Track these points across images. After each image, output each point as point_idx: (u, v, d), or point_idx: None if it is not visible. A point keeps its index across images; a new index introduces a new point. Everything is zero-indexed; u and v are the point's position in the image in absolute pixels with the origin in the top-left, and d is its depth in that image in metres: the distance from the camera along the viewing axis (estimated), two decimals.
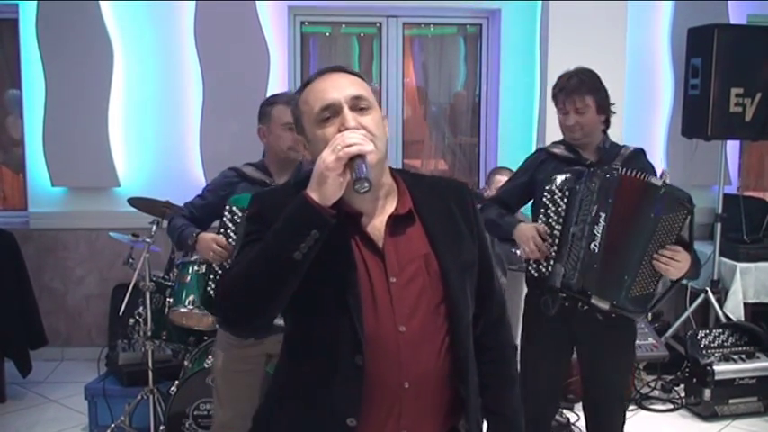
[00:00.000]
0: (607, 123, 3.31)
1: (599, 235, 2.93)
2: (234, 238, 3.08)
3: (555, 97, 3.32)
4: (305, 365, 1.85)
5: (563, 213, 3.06)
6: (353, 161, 1.69)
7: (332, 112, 1.79)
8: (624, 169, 3.00)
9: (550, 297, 3.02)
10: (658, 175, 3.03)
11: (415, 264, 1.83)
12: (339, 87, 1.81)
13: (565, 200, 3.07)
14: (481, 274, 1.95)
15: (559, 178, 3.11)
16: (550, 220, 3.09)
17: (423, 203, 1.90)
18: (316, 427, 1.82)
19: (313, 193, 1.69)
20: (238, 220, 3.08)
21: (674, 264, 2.92)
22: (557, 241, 3.06)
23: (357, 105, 1.80)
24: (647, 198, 2.95)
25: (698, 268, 3.09)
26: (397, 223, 1.85)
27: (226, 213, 3.12)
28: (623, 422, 3.42)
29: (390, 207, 1.86)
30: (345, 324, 1.75)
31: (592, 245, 2.94)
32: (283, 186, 2.15)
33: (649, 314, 3.09)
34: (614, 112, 3.33)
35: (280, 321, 1.91)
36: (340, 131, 1.76)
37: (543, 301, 3.05)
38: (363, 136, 1.73)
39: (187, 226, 3.28)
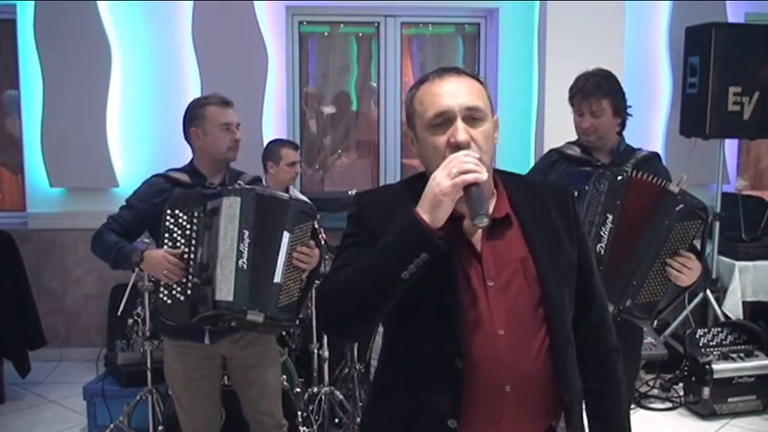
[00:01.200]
0: (623, 126, 3.28)
1: (605, 237, 2.89)
2: (182, 241, 3.01)
3: (571, 99, 3.29)
4: (407, 365, 1.86)
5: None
6: (469, 189, 1.68)
7: (444, 119, 1.78)
8: (634, 171, 2.95)
9: None
10: (675, 181, 2.94)
11: (512, 267, 1.82)
12: (455, 95, 1.79)
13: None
14: (581, 277, 1.93)
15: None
16: None
17: (520, 206, 1.89)
18: (418, 427, 1.83)
19: (425, 215, 1.68)
20: (184, 223, 3.02)
21: (687, 271, 2.84)
22: None
23: (471, 116, 1.79)
24: (660, 203, 2.87)
25: (708, 277, 3.04)
26: (494, 226, 1.83)
27: (168, 218, 3.02)
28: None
29: (491, 211, 1.84)
30: (445, 327, 1.76)
31: (598, 246, 2.88)
32: (383, 189, 2.16)
33: (655, 321, 3.02)
34: (631, 115, 3.29)
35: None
36: (449, 142, 1.76)
37: None
38: (477, 161, 1.70)
39: (123, 242, 3.15)
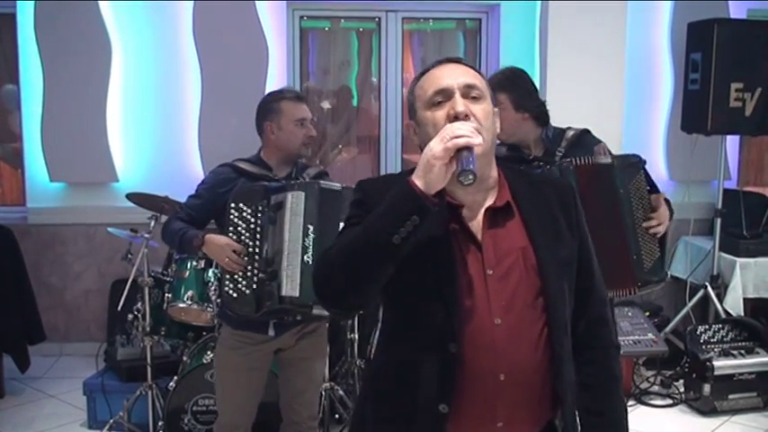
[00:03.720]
0: (538, 120, 3.27)
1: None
2: (247, 235, 3.04)
3: None
4: (401, 350, 1.87)
5: None
6: (460, 152, 1.69)
7: (444, 96, 1.83)
8: (573, 161, 3.01)
9: None
10: (598, 151, 3.07)
11: (512, 256, 1.84)
12: (453, 75, 1.85)
13: None
14: (581, 272, 1.95)
15: None
16: None
17: (522, 197, 1.91)
18: (409, 411, 1.83)
19: (418, 180, 1.69)
20: (249, 217, 3.06)
21: (662, 221, 3.03)
22: None
23: (469, 93, 1.83)
24: (605, 178, 3.00)
25: (671, 207, 3.13)
26: (495, 216, 1.87)
27: (232, 212, 3.06)
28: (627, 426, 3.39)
29: (492, 201, 1.89)
30: (441, 313, 1.78)
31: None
32: (388, 176, 2.21)
33: (668, 275, 3.12)
34: (543, 109, 3.28)
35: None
36: (449, 116, 1.80)
37: None
38: (473, 128, 1.74)
39: (187, 228, 3.20)
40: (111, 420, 4.25)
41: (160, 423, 4.07)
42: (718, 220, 5.36)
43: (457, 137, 1.69)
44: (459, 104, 1.80)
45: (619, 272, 2.95)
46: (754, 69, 5.12)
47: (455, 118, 1.79)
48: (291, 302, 2.94)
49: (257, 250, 3.04)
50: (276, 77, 5.57)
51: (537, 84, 5.34)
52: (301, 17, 5.80)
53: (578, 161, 3.01)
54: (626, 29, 5.21)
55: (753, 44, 5.12)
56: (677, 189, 5.81)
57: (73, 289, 5.73)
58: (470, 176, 1.68)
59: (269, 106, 3.28)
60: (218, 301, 3.12)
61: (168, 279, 4.14)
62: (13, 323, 4.93)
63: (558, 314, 1.86)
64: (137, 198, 4.35)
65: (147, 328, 4.13)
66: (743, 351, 4.82)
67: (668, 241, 3.16)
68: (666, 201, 3.13)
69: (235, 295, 3.04)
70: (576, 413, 1.95)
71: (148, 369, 4.16)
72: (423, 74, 1.92)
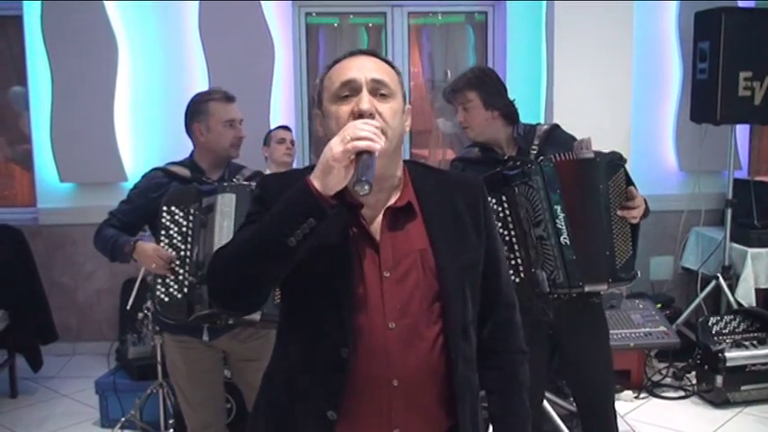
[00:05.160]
0: (508, 118, 3.25)
1: (563, 227, 2.94)
2: (178, 238, 3.01)
3: (447, 98, 3.37)
4: (292, 353, 1.83)
5: (515, 219, 3.00)
6: (360, 156, 1.62)
7: (351, 90, 1.75)
8: (553, 156, 2.99)
9: (543, 303, 3.00)
10: (577, 146, 3.05)
11: (410, 259, 1.78)
12: (363, 68, 1.77)
13: (506, 207, 3.01)
14: (487, 275, 1.90)
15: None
16: (506, 231, 3.02)
17: (426, 198, 1.85)
18: (297, 417, 1.80)
19: (316, 181, 1.63)
20: (180, 220, 3.02)
21: (637, 209, 3.02)
22: (518, 249, 3.01)
23: (377, 90, 1.76)
24: (588, 173, 3.00)
25: (647, 205, 3.12)
26: (396, 217, 1.80)
27: (164, 215, 3.02)
28: (614, 407, 3.40)
29: (394, 200, 1.82)
30: (334, 315, 1.73)
31: (562, 239, 2.93)
32: (292, 171, 2.13)
33: (639, 272, 3.09)
34: (512, 107, 3.26)
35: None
36: (353, 112, 1.73)
37: (538, 309, 3.02)
38: (376, 129, 1.65)
39: (119, 235, 3.16)
40: (123, 419, 4.27)
41: (170, 421, 4.09)
42: (729, 211, 5.33)
43: (358, 138, 1.62)
44: (365, 102, 1.73)
45: (593, 266, 2.96)
46: (763, 58, 5.09)
47: (359, 115, 1.72)
48: None
49: (188, 254, 3.00)
50: (283, 75, 5.58)
51: (544, 76, 5.39)
52: (307, 14, 5.80)
53: (559, 156, 2.99)
54: (633, 19, 5.18)
55: (761, 32, 5.08)
56: (687, 180, 5.80)
57: (85, 288, 5.76)
58: (366, 187, 1.60)
59: (197, 107, 3.24)
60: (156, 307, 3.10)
61: None
62: (25, 323, 4.96)
63: (455, 318, 1.80)
64: None
65: (157, 327, 4.13)
66: (755, 342, 4.80)
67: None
68: (644, 199, 3.12)
69: (167, 300, 3.00)
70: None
71: (158, 367, 4.17)
72: (334, 63, 1.83)
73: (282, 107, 5.63)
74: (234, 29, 5.46)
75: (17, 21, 5.59)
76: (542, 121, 5.20)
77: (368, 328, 1.73)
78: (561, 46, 5.16)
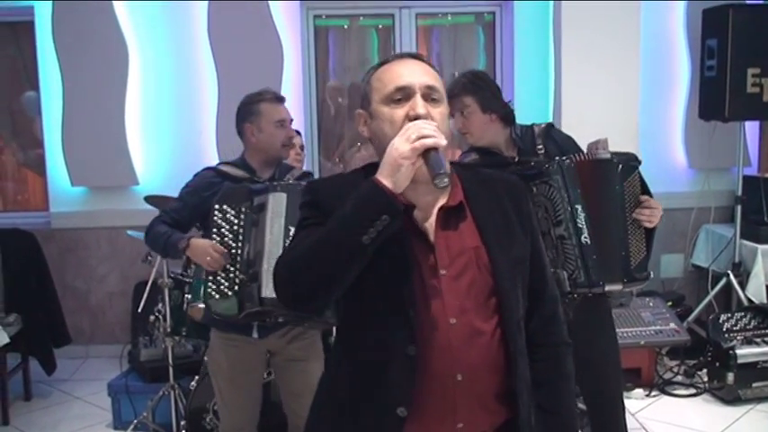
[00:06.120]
0: (505, 120, 3.27)
1: (584, 226, 2.96)
2: (230, 237, 3.05)
3: None
4: (358, 354, 1.87)
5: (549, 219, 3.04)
6: (428, 153, 1.69)
7: (404, 94, 1.81)
8: (572, 157, 3.02)
9: (563, 303, 3.02)
10: (593, 146, 3.08)
11: (465, 256, 1.83)
12: (416, 73, 1.83)
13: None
14: (533, 271, 1.95)
15: None
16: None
17: (475, 197, 1.90)
18: (367, 416, 1.83)
19: (385, 180, 1.68)
20: (232, 219, 3.06)
21: (656, 213, 3.04)
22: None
23: (429, 95, 1.82)
24: (605, 174, 3.02)
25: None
26: (448, 216, 1.86)
27: (216, 213, 3.06)
28: (623, 405, 3.42)
29: (444, 200, 1.87)
30: (398, 314, 1.77)
31: (583, 238, 2.96)
32: (339, 176, 2.17)
33: (651, 273, 3.12)
34: (509, 109, 3.28)
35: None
36: (409, 116, 1.78)
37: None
38: (436, 127, 1.73)
39: (172, 232, 3.20)
40: (136, 421, 4.30)
41: (183, 422, 4.11)
42: (739, 208, 5.32)
43: (424, 136, 1.69)
44: (420, 107, 1.79)
45: (609, 266, 2.98)
46: None
47: (415, 119, 1.77)
48: (272, 304, 2.90)
49: (239, 252, 3.04)
50: (292, 77, 5.60)
51: (552, 75, 5.39)
52: (316, 16, 5.82)
53: (579, 157, 3.02)
54: (640, 17, 5.17)
55: None
56: (697, 177, 5.79)
57: (97, 292, 5.80)
58: (446, 179, 1.68)
59: (248, 108, 3.28)
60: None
61: (188, 280, 4.18)
62: (38, 327, 5.00)
63: (512, 313, 1.85)
64: (155, 201, 4.39)
65: (168, 329, 4.16)
66: (766, 338, 4.78)
67: (654, 244, 3.16)
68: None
69: (217, 297, 3.03)
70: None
71: (170, 370, 4.20)
72: (381, 65, 1.89)
73: (291, 110, 5.59)
74: (243, 32, 5.48)
75: (29, 26, 5.64)
76: (550, 120, 5.22)
77: (431, 325, 1.78)
78: (569, 45, 5.16)
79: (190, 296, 4.02)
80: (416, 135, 1.69)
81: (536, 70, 5.59)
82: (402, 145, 1.69)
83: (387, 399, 1.78)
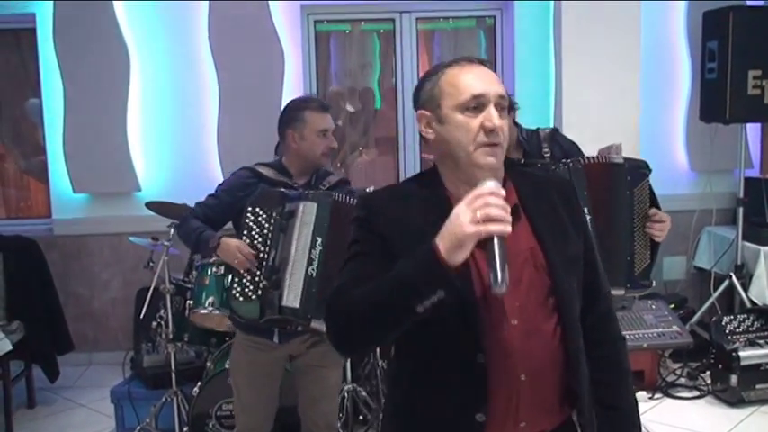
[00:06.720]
0: (513, 120, 3.25)
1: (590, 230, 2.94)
2: (259, 240, 3.06)
3: None
4: (428, 364, 1.86)
5: None
6: (492, 243, 1.63)
7: (478, 103, 1.82)
8: (582, 160, 3.02)
9: None
10: (606, 150, 3.11)
11: (521, 258, 1.84)
12: (489, 82, 1.84)
13: None
14: (587, 269, 1.97)
15: None
16: None
17: (528, 198, 1.92)
18: (446, 423, 1.83)
19: (446, 254, 1.63)
20: (263, 222, 3.07)
21: (665, 226, 3.04)
22: None
23: (500, 104, 1.83)
24: (614, 178, 3.01)
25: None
26: None
27: (248, 215, 3.08)
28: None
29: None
30: (461, 321, 1.78)
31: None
32: (391, 188, 2.12)
33: (653, 282, 3.12)
34: (515, 108, 3.25)
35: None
36: (484, 126, 1.79)
37: None
38: (504, 205, 1.65)
39: (204, 228, 3.23)
40: (139, 427, 4.30)
41: (185, 429, 4.11)
42: (741, 209, 5.32)
43: (491, 220, 1.62)
44: (496, 118, 1.80)
45: (614, 270, 2.95)
46: None
47: (491, 131, 1.79)
48: (291, 314, 2.93)
49: (266, 256, 3.05)
50: (293, 82, 5.60)
51: (553, 77, 5.40)
52: (316, 21, 5.83)
53: (589, 160, 3.03)
54: (641, 19, 5.18)
55: None
56: (698, 179, 5.79)
57: (100, 298, 5.81)
58: (504, 287, 1.62)
59: (293, 114, 3.26)
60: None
61: (189, 286, 4.18)
62: (41, 334, 5.01)
63: (570, 312, 1.87)
64: (156, 207, 4.40)
65: (170, 335, 4.17)
66: None
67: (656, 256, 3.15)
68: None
69: (241, 299, 3.05)
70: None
71: (173, 376, 4.20)
72: (448, 66, 1.88)
73: None
74: (244, 37, 5.49)
75: (31, 34, 5.65)
76: (552, 123, 5.23)
77: (494, 328, 1.79)
78: (569, 47, 5.16)
79: (191, 302, 4.02)
80: (482, 214, 1.62)
81: (537, 72, 5.59)
82: (467, 226, 1.62)
83: (465, 406, 1.80)
